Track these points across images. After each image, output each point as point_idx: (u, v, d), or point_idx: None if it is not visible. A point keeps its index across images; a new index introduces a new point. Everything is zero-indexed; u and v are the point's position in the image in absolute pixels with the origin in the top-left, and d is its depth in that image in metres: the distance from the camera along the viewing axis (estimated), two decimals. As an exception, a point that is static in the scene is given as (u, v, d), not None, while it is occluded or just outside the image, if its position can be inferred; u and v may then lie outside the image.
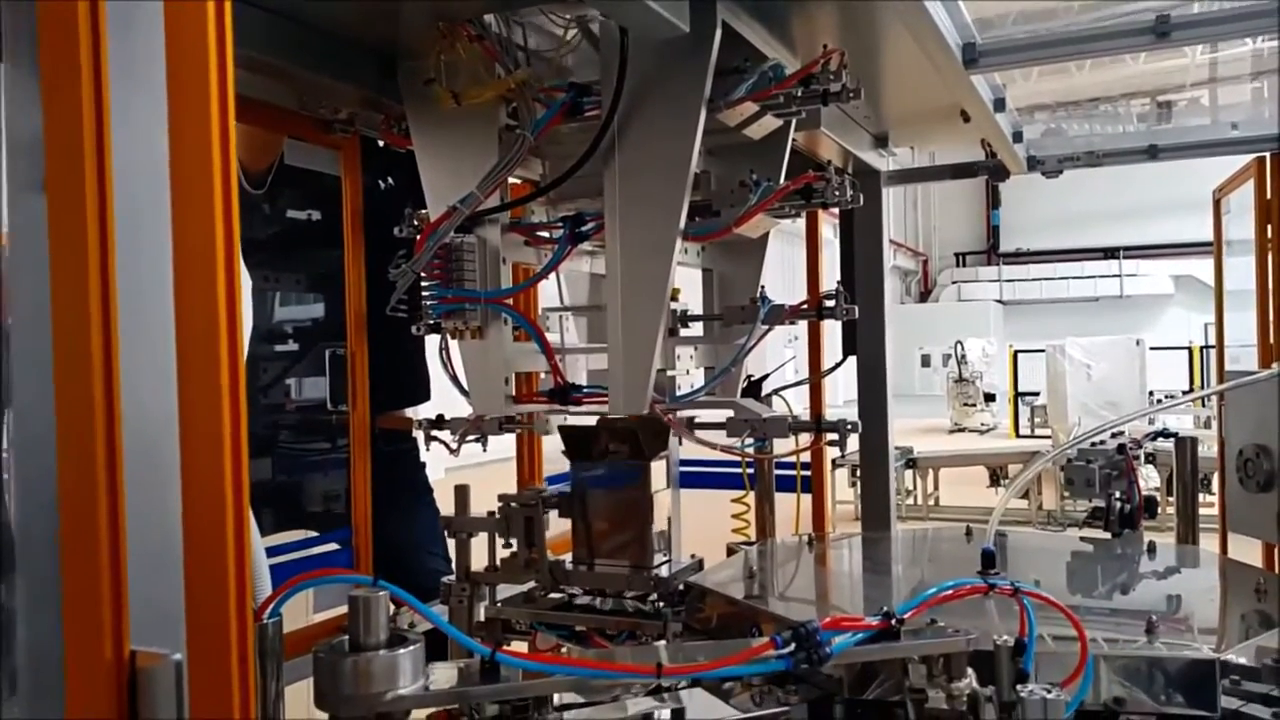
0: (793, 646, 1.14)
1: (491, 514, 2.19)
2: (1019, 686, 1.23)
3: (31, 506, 0.75)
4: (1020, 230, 25.53)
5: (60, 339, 0.72)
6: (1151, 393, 13.42)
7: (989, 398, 16.11)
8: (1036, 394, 14.86)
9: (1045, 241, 25.26)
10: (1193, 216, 21.92)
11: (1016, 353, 15.47)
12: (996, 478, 12.01)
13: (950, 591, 1.32)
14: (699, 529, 2.83)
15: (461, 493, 2.20)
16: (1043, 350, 13.58)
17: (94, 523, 0.69)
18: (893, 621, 1.24)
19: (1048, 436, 12.69)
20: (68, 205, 0.74)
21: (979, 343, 16.44)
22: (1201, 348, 16.17)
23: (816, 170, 2.06)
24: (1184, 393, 15.78)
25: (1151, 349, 13.20)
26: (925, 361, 19.46)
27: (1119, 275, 24.46)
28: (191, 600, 0.73)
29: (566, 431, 2.16)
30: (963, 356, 15.70)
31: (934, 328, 18.64)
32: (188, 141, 0.80)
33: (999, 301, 24.33)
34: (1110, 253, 24.55)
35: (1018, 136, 2.89)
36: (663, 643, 1.82)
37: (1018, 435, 14.35)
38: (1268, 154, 2.98)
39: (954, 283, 25.71)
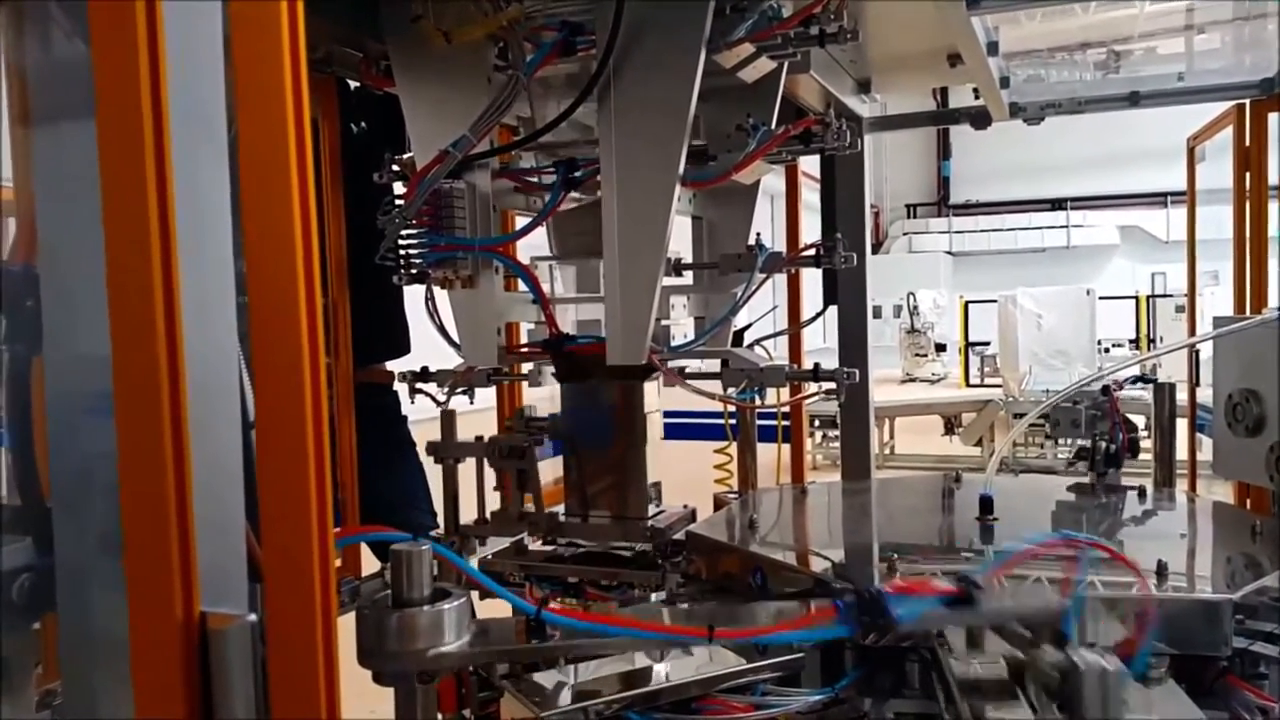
0: (858, 613, 1.10)
1: (479, 438, 2.13)
2: (1069, 650, 1.17)
3: (70, 463, 0.69)
4: (970, 181, 25.65)
5: (117, 288, 0.67)
6: (1099, 341, 13.65)
7: (940, 348, 16.29)
8: (986, 344, 15.05)
9: (994, 193, 25.42)
10: (1139, 169, 22.22)
11: (967, 304, 15.61)
12: (951, 426, 12.19)
13: (1025, 550, 1.26)
14: (681, 479, 2.81)
15: (448, 418, 2.14)
16: (992, 301, 13.72)
17: (159, 477, 0.64)
18: (969, 587, 1.18)
19: (998, 385, 12.86)
20: (119, 136, 0.68)
21: (930, 294, 16.59)
22: (1148, 297, 16.44)
23: (812, 115, 2.02)
24: (1131, 341, 16.10)
25: (1099, 298, 13.38)
26: (876, 313, 19.58)
27: (1066, 226, 24.72)
28: (270, 558, 0.68)
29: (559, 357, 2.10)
30: (914, 308, 15.83)
31: (885, 279, 18.70)
32: (252, 45, 0.74)
33: (949, 253, 24.50)
34: (1058, 204, 24.80)
35: (1004, 82, 2.86)
36: (703, 605, 1.78)
37: (968, 384, 14.52)
38: (1246, 101, 2.99)
39: (905, 234, 25.84)
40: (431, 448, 2.14)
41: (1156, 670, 1.38)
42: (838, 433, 3.98)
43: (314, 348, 0.83)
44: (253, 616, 0.66)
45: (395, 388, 2.64)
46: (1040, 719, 1.18)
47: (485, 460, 2.11)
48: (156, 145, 0.78)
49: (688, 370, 2.22)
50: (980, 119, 3.04)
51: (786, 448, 3.37)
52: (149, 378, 0.66)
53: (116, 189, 0.78)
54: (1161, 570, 1.57)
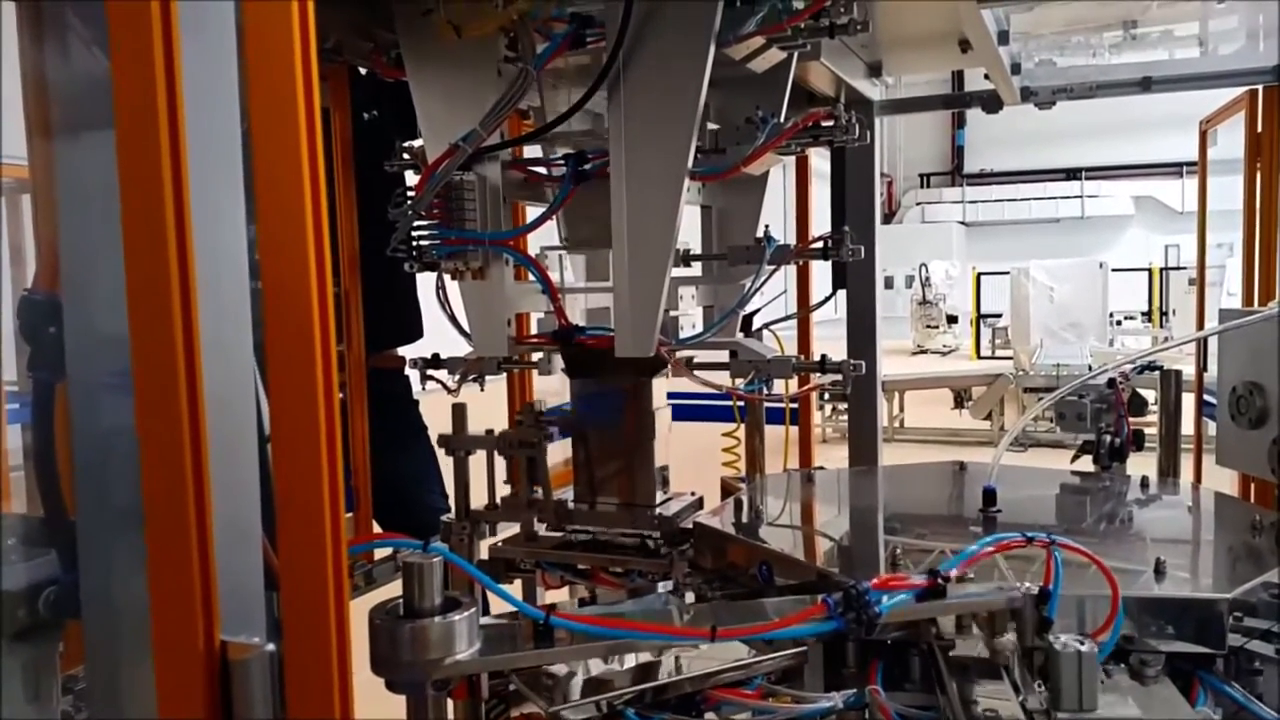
0: (844, 608, 1.15)
1: (489, 431, 2.16)
2: (1049, 636, 1.24)
3: (95, 486, 0.72)
4: (984, 150, 25.47)
5: (137, 310, 0.69)
6: (1112, 314, 13.61)
7: (951, 319, 16.25)
8: (998, 316, 15.01)
9: (1009, 162, 25.24)
10: (1154, 138, 22.01)
11: (980, 275, 15.55)
12: (961, 400, 12.19)
13: (991, 547, 1.33)
14: (687, 461, 2.84)
15: (459, 411, 2.17)
16: (1005, 272, 13.67)
17: (180, 506, 0.67)
18: (939, 580, 1.25)
19: (1009, 358, 12.84)
20: (138, 144, 0.71)
21: (942, 265, 16.53)
22: (1161, 269, 16.36)
23: (821, 103, 2.02)
24: (1143, 313, 16.04)
25: (1112, 270, 13.33)
26: (888, 283, 19.51)
27: (1080, 196, 24.55)
28: (287, 587, 0.71)
29: (569, 351, 2.12)
30: (926, 279, 15.78)
31: (898, 249, 18.58)
32: (265, 65, 0.76)
33: (962, 223, 24.37)
34: (1072, 173, 24.61)
35: (1015, 68, 2.86)
36: (706, 604, 1.81)
37: (979, 357, 14.51)
38: (1259, 87, 2.97)
39: (918, 204, 25.70)
40: (443, 440, 2.18)
41: (1152, 669, 1.41)
42: (847, 405, 4.00)
43: (325, 342, 0.84)
44: (270, 646, 0.69)
45: (407, 372, 2.67)
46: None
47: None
48: (173, 151, 0.80)
49: (699, 360, 2.25)
50: (991, 103, 3.04)
51: (795, 428, 3.39)
52: (169, 387, 0.68)
53: (135, 198, 0.80)
54: (1159, 568, 1.59)
